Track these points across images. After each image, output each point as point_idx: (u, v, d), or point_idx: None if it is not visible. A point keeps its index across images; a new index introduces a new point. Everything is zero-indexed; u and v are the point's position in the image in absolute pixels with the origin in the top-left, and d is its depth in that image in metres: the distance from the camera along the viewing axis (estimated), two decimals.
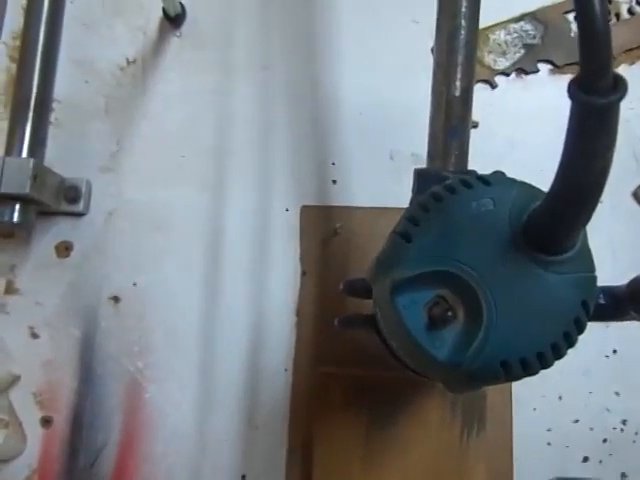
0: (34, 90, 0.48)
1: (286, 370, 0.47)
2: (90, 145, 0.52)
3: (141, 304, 0.49)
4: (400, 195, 0.49)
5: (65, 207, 0.50)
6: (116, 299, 0.49)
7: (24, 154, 0.46)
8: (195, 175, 0.51)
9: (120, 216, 0.51)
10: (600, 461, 0.44)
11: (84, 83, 0.53)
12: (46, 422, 0.48)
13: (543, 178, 0.50)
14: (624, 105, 0.53)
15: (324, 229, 0.49)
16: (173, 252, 0.50)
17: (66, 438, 0.47)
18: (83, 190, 0.50)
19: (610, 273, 0.47)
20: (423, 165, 0.49)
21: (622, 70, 0.50)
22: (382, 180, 0.50)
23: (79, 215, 0.50)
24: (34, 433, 0.47)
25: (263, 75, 0.52)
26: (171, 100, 0.52)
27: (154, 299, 0.49)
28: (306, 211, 0.50)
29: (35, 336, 0.49)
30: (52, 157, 0.51)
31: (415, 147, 0.50)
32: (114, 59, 0.53)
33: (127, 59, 0.53)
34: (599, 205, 0.48)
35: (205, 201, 0.50)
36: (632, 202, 0.48)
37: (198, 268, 0.49)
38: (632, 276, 0.47)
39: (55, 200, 0.49)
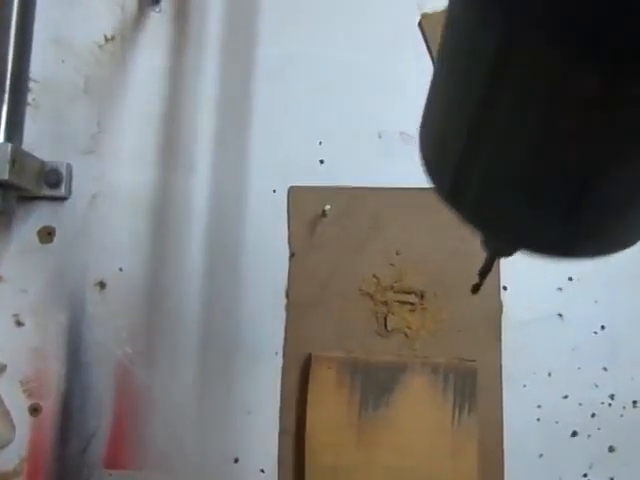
0: (9, 70, 0.46)
1: (277, 353, 0.47)
2: (70, 127, 0.50)
3: (128, 289, 0.48)
4: (389, 174, 0.49)
5: (46, 191, 0.48)
6: (102, 285, 0.48)
7: (1, 138, 0.45)
8: (179, 156, 0.50)
9: (103, 200, 0.49)
10: (589, 435, 0.45)
11: (61, 62, 0.51)
12: (34, 410, 0.47)
13: None
14: None
15: (312, 210, 0.48)
16: (159, 235, 0.49)
17: (56, 425, 0.47)
18: (64, 174, 0.49)
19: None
20: (412, 143, 0.49)
21: None
22: (370, 159, 0.49)
23: (61, 199, 0.49)
24: (23, 422, 0.47)
25: (247, 52, 0.51)
26: (152, 79, 0.51)
27: (141, 284, 0.48)
28: (294, 192, 0.49)
29: (20, 324, 0.48)
30: (30, 140, 0.49)
31: (403, 126, 0.49)
32: (92, 36, 0.51)
33: (105, 36, 0.51)
34: None
35: (191, 183, 0.49)
36: None
37: (185, 252, 0.48)
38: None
39: (36, 185, 0.47)
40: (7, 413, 0.47)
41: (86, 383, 0.47)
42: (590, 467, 0.45)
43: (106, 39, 0.51)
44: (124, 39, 0.51)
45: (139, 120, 0.50)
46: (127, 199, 0.49)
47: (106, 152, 0.50)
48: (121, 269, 0.48)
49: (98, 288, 0.48)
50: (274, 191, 0.49)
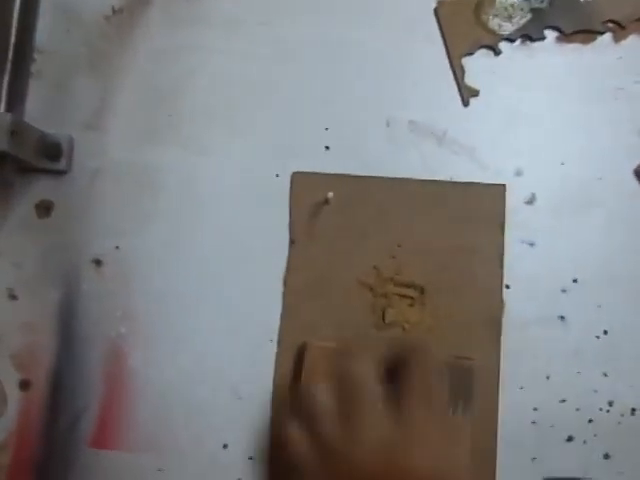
0: (12, 39, 0.45)
1: (271, 341, 0.46)
2: (73, 100, 0.49)
3: (124, 268, 0.47)
4: (396, 164, 0.48)
5: (46, 164, 0.47)
6: (98, 262, 0.48)
7: (2, 108, 0.44)
8: (183, 136, 0.49)
9: (104, 176, 0.49)
10: (584, 441, 0.44)
11: (67, 32, 0.50)
12: (25, 384, 0.47)
13: (543, 150, 0.49)
14: (630, 79, 0.51)
15: (315, 197, 0.47)
16: (158, 215, 0.48)
17: (45, 401, 0.47)
18: (65, 147, 0.48)
19: (607, 251, 0.46)
20: (421, 133, 0.48)
21: (631, 41, 0.48)
22: (377, 148, 0.48)
23: (61, 173, 0.48)
24: (12, 395, 0.46)
25: (257, 33, 0.49)
26: (159, 55, 0.50)
27: (137, 263, 0.47)
28: (297, 178, 0.48)
29: (13, 297, 0.47)
30: (32, 111, 0.48)
31: (413, 114, 0.48)
32: (99, 7, 0.50)
33: (113, 7, 0.50)
34: (598, 182, 0.47)
35: (192, 163, 0.48)
36: (633, 180, 0.47)
37: (183, 233, 0.48)
38: (626, 256, 0.46)
39: (35, 157, 0.46)
40: (0, 385, 0.46)
41: (78, 361, 0.47)
42: (584, 473, 0.44)
43: (114, 11, 0.50)
44: (132, 12, 0.50)
45: (143, 97, 0.49)
46: (128, 177, 0.48)
47: (109, 128, 0.49)
48: (118, 247, 0.48)
49: (94, 265, 0.48)
50: (277, 175, 0.48)
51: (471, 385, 0.43)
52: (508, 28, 0.48)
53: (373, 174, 0.47)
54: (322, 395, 0.39)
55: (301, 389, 0.42)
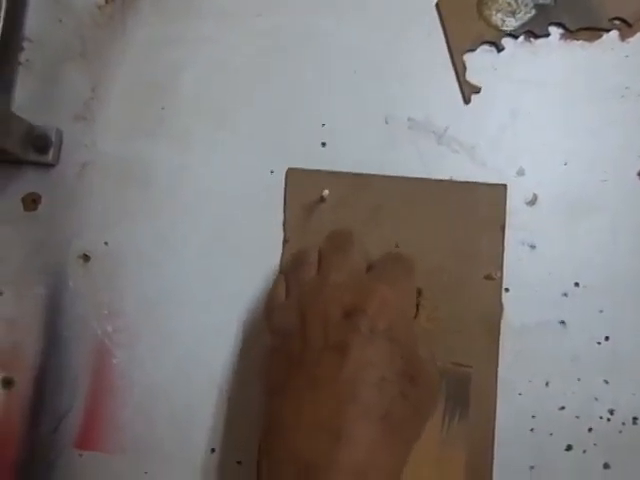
0: (0, 27, 0.44)
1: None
2: (63, 90, 0.48)
3: (112, 264, 0.46)
4: (394, 162, 0.46)
5: (33, 157, 0.46)
6: (86, 257, 0.46)
7: None
8: (175, 129, 0.47)
9: (93, 169, 0.47)
10: (584, 451, 0.43)
11: (58, 22, 0.48)
12: (7, 383, 0.45)
13: (546, 150, 0.47)
14: (637, 78, 0.49)
15: (310, 195, 0.46)
16: (148, 210, 0.47)
17: (28, 401, 0.45)
18: (53, 139, 0.46)
19: (610, 254, 0.45)
20: (420, 131, 0.46)
21: (638, 39, 0.47)
22: (375, 145, 0.46)
23: (49, 166, 0.47)
24: None
25: (253, 24, 0.48)
26: (153, 46, 0.48)
27: (126, 260, 0.46)
28: (292, 174, 0.46)
29: None
30: (20, 101, 0.47)
31: (412, 111, 0.46)
32: None
33: None
34: (602, 184, 0.46)
35: (185, 157, 0.47)
36: (637, 182, 0.45)
37: (174, 229, 0.46)
38: (630, 259, 0.45)
39: (22, 149, 0.45)
40: None
41: (63, 359, 0.45)
42: None
43: (106, 0, 0.49)
44: (125, 2, 0.49)
45: (135, 89, 0.48)
46: (118, 170, 0.47)
47: (99, 120, 0.48)
48: (107, 243, 0.46)
49: (81, 261, 0.46)
50: (271, 172, 0.46)
51: (468, 393, 0.42)
52: (511, 24, 0.47)
53: (370, 172, 0.46)
54: (313, 249, 0.40)
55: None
